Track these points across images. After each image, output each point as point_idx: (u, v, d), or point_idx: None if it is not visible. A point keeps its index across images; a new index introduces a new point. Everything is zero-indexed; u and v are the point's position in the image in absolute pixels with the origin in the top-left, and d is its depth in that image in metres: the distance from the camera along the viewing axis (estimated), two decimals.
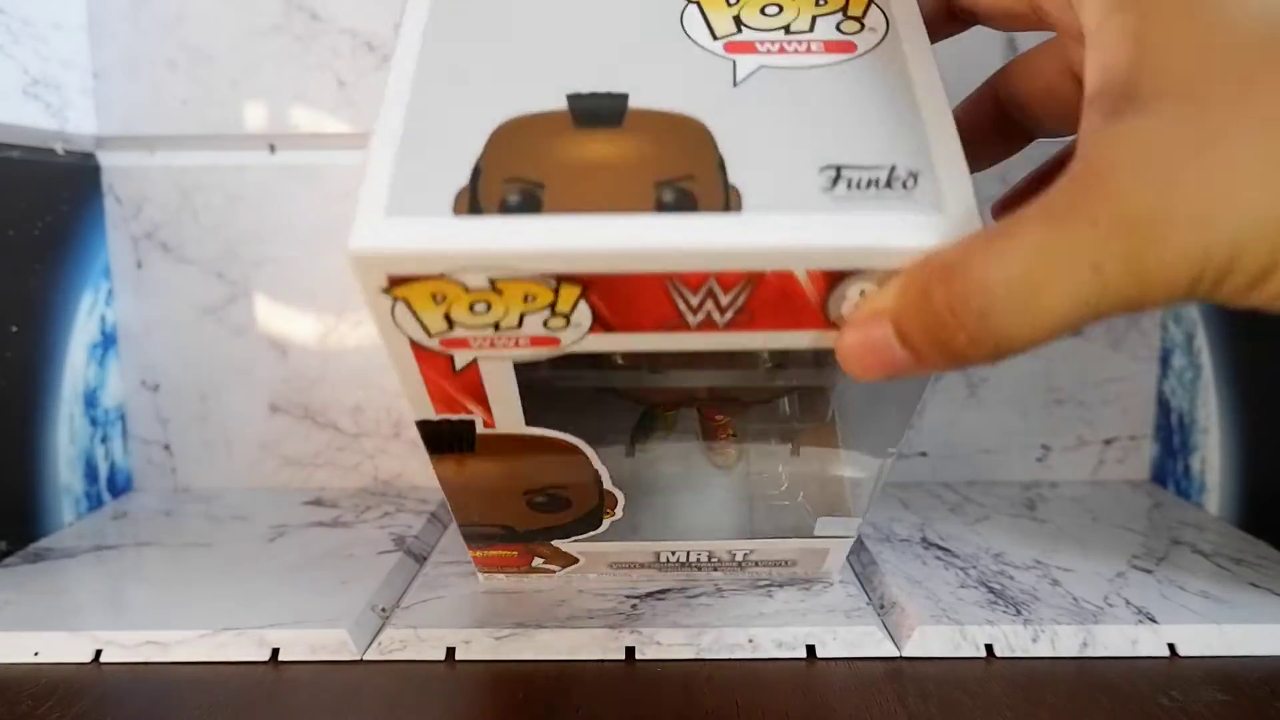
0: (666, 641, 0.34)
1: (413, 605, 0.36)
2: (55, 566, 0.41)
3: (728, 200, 0.23)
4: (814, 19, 0.26)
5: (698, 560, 0.36)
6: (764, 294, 0.24)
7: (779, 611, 0.35)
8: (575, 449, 0.31)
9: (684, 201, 0.23)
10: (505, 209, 0.23)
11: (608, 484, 0.32)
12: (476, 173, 0.23)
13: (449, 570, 0.40)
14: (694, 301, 0.24)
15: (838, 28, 0.26)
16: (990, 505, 0.47)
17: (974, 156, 0.26)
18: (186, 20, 0.48)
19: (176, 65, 0.48)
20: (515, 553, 0.36)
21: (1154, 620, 0.34)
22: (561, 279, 0.23)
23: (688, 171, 0.23)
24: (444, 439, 0.29)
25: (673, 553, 0.36)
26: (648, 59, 0.26)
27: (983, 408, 0.51)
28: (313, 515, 0.47)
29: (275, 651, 0.34)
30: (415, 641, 0.34)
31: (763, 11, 0.27)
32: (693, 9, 0.27)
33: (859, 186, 0.23)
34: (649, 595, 0.36)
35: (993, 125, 0.31)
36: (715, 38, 0.26)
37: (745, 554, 0.36)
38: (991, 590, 0.37)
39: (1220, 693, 0.31)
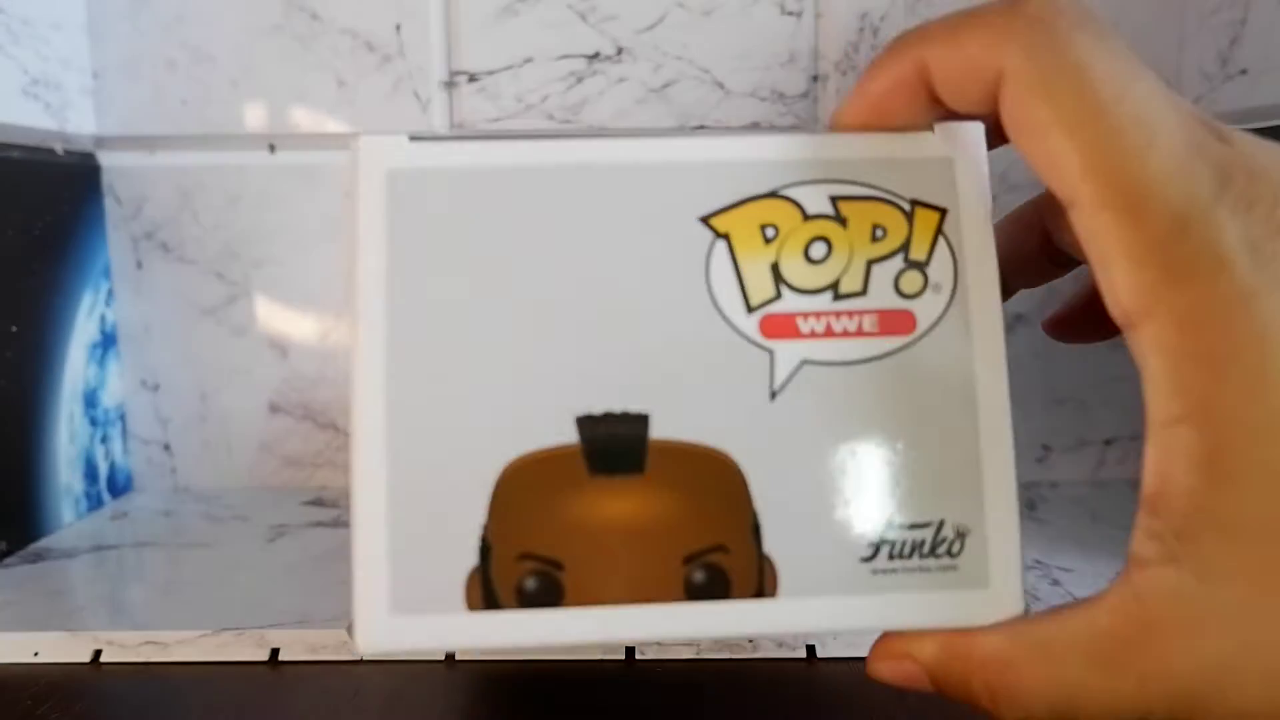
0: (667, 641, 0.34)
1: None
2: (55, 566, 0.41)
3: (761, 580, 0.21)
4: (868, 268, 0.21)
5: None
6: None
7: None
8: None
9: (716, 582, 0.21)
10: (523, 597, 0.21)
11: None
12: (485, 549, 0.21)
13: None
14: None
15: (895, 286, 0.21)
16: None
17: (1015, 277, 0.25)
18: (186, 20, 0.48)
19: (176, 65, 0.48)
20: None
21: None
22: None
23: (718, 541, 0.21)
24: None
25: None
26: (668, 345, 0.21)
27: None
28: (313, 515, 0.47)
29: (275, 651, 0.34)
30: None
31: (807, 255, 0.21)
32: (721, 249, 0.21)
33: (901, 555, 0.21)
34: None
35: (1039, 248, 0.27)
36: (750, 309, 0.21)
37: None
38: None
39: None
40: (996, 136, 0.22)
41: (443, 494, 0.21)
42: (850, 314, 0.21)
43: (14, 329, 0.43)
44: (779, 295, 0.21)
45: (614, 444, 0.21)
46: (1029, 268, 0.27)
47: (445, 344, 0.21)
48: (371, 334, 0.21)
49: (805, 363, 0.21)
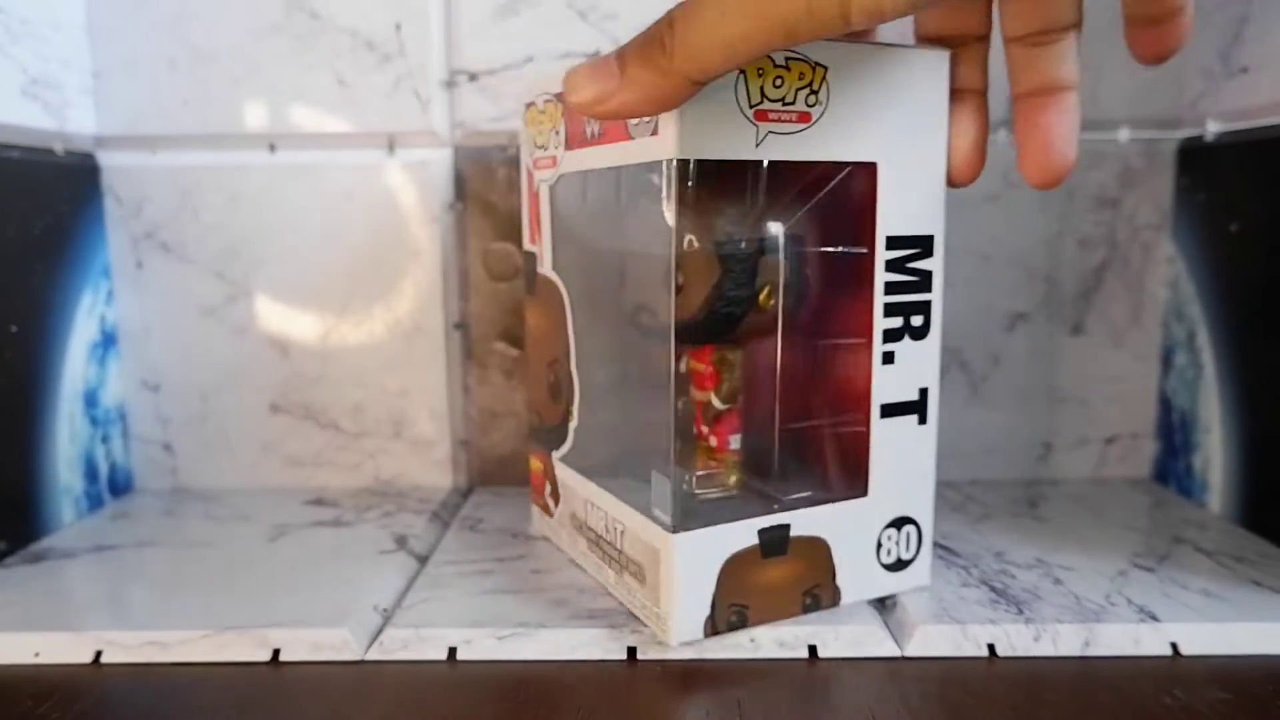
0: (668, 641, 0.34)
1: (414, 605, 0.36)
2: (56, 567, 0.41)
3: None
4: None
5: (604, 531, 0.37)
6: None
7: None
8: (562, 306, 0.37)
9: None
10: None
11: (571, 364, 0.37)
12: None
13: (450, 570, 0.40)
14: None
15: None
16: (992, 504, 0.47)
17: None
18: (186, 19, 0.48)
19: (177, 65, 0.48)
20: (541, 466, 0.41)
21: (1156, 619, 0.34)
22: None
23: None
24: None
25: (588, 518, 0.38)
26: None
27: (984, 406, 0.51)
28: (314, 515, 0.47)
29: (276, 652, 0.34)
30: (417, 641, 0.34)
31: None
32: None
33: None
34: None
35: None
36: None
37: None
38: (993, 589, 0.37)
39: (1223, 691, 0.31)
40: None
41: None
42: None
43: (14, 329, 0.43)
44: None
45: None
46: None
47: None
48: None
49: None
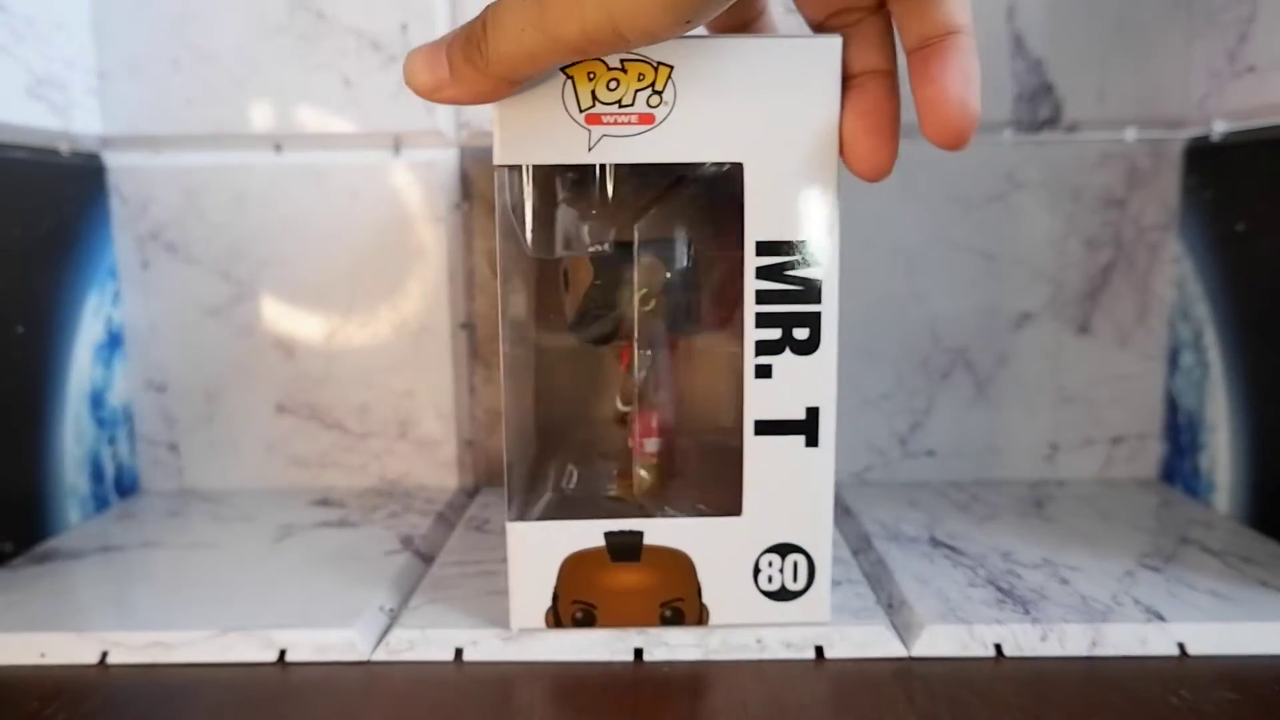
0: (675, 642, 0.34)
1: (420, 605, 0.36)
2: (61, 567, 0.41)
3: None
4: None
5: None
6: None
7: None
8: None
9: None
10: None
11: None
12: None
13: (456, 570, 0.40)
14: None
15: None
16: (998, 504, 0.47)
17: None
18: (191, 20, 0.48)
19: (181, 65, 0.48)
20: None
21: (1163, 619, 0.34)
22: None
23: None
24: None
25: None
26: None
27: (990, 407, 0.50)
28: (320, 515, 0.47)
29: (282, 652, 0.34)
30: (423, 642, 0.34)
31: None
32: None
33: None
34: None
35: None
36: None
37: None
38: (1000, 589, 0.37)
39: (1230, 691, 0.31)
40: None
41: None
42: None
43: (20, 330, 0.43)
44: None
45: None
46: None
47: None
48: None
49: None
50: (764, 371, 0.32)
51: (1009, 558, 0.40)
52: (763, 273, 0.31)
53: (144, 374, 0.51)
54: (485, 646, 0.34)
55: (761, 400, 0.32)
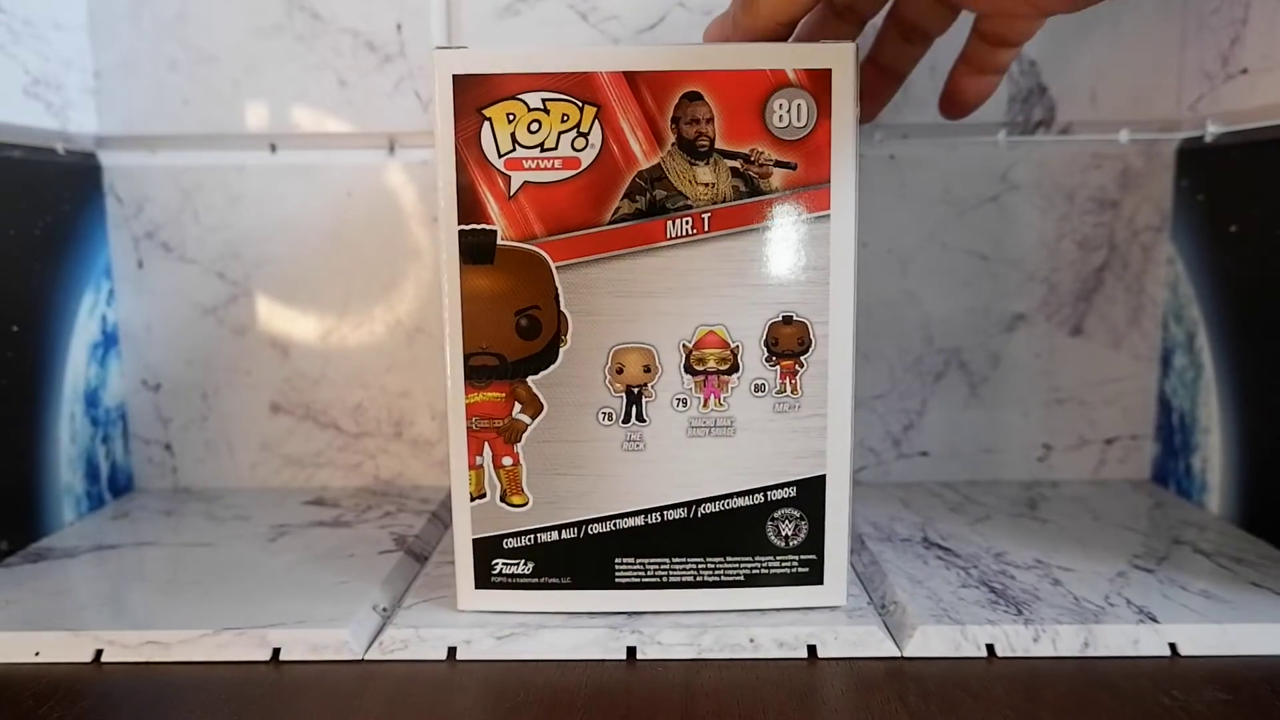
0: (668, 641, 0.34)
1: (414, 605, 0.36)
2: (56, 566, 0.41)
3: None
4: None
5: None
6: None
7: (780, 610, 0.35)
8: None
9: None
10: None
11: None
12: None
13: (450, 570, 0.40)
14: None
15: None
16: (991, 505, 0.47)
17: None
18: (188, 20, 0.48)
19: (178, 65, 0.48)
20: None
21: (1155, 620, 0.34)
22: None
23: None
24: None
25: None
26: None
27: (984, 407, 0.51)
28: (314, 515, 0.47)
29: (276, 651, 0.34)
30: (416, 641, 0.34)
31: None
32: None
33: None
34: None
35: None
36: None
37: None
38: (993, 590, 0.37)
39: (1222, 692, 0.31)
40: None
41: None
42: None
43: (15, 329, 0.43)
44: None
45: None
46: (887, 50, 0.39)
47: None
48: None
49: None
50: None
51: (1002, 558, 0.40)
52: None
53: (139, 373, 0.51)
54: (479, 646, 0.34)
55: None
